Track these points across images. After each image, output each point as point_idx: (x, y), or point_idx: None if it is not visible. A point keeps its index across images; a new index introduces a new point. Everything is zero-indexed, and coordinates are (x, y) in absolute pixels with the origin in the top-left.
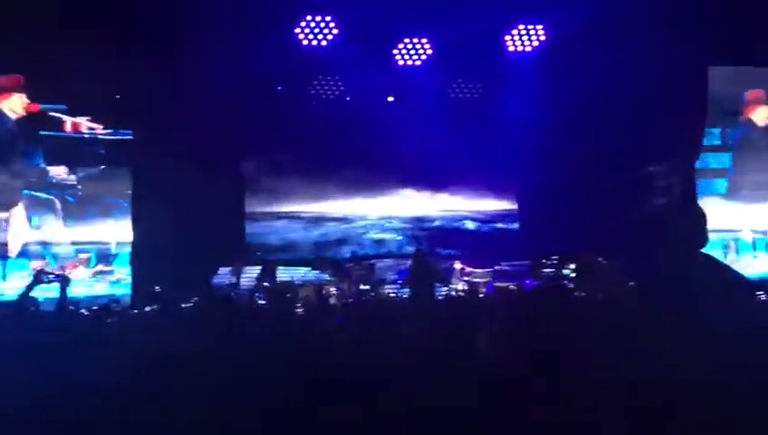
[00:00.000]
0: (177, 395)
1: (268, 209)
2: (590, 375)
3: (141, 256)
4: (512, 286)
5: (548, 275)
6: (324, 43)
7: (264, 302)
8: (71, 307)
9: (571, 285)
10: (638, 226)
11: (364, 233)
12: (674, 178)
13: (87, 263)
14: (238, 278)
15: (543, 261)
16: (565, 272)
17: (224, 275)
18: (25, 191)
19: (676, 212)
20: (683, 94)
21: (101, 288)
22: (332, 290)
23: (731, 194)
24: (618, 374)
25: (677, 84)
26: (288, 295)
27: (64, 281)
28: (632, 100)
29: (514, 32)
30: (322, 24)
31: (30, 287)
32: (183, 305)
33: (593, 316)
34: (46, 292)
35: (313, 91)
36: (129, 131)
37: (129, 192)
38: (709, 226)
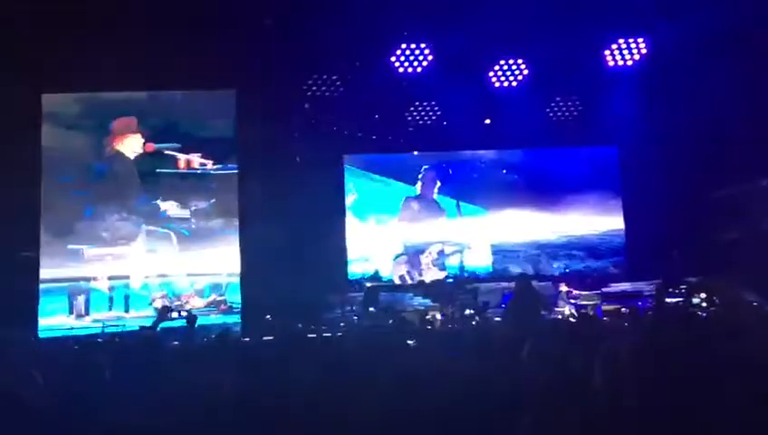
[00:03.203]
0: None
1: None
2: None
3: (250, 285)
4: (624, 310)
5: (675, 303)
6: (419, 69)
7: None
8: (198, 340)
9: (700, 313)
10: (754, 243)
11: (466, 256)
12: None
13: (201, 293)
14: (343, 304)
15: (670, 289)
16: (695, 301)
17: (330, 301)
18: (144, 226)
19: None
20: None
21: (215, 317)
22: (437, 315)
23: None
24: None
25: None
26: (391, 321)
27: (191, 319)
28: (742, 112)
29: (614, 46)
30: (417, 52)
31: (157, 323)
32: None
33: (723, 345)
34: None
35: (410, 118)
36: (236, 166)
37: (237, 224)
38: None
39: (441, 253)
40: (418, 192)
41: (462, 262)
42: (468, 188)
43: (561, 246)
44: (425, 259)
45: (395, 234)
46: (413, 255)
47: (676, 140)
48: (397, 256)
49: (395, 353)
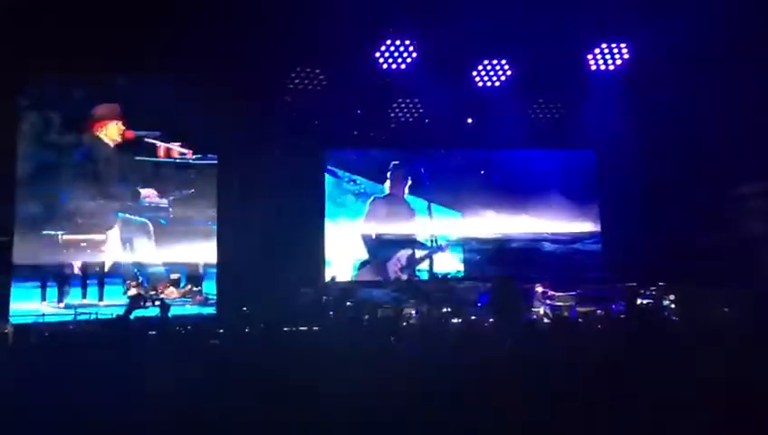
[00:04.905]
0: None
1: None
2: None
3: (227, 276)
4: (598, 311)
5: (645, 304)
6: (403, 66)
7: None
8: (171, 329)
9: (670, 315)
10: (730, 250)
11: (444, 255)
12: None
13: (177, 283)
14: (319, 299)
15: (642, 291)
16: (665, 302)
17: (305, 295)
18: (120, 214)
19: None
20: None
21: (190, 307)
22: (413, 312)
23: None
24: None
25: None
26: (367, 316)
27: (164, 307)
28: (722, 117)
29: (597, 50)
30: (402, 48)
31: (129, 311)
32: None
33: (694, 346)
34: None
35: (392, 114)
36: (216, 156)
37: (215, 215)
38: None
39: (410, 259)
40: (387, 191)
41: (432, 268)
42: (442, 188)
43: (537, 248)
44: (392, 267)
45: (359, 238)
46: (380, 262)
47: (655, 146)
48: (361, 264)
49: (370, 348)
